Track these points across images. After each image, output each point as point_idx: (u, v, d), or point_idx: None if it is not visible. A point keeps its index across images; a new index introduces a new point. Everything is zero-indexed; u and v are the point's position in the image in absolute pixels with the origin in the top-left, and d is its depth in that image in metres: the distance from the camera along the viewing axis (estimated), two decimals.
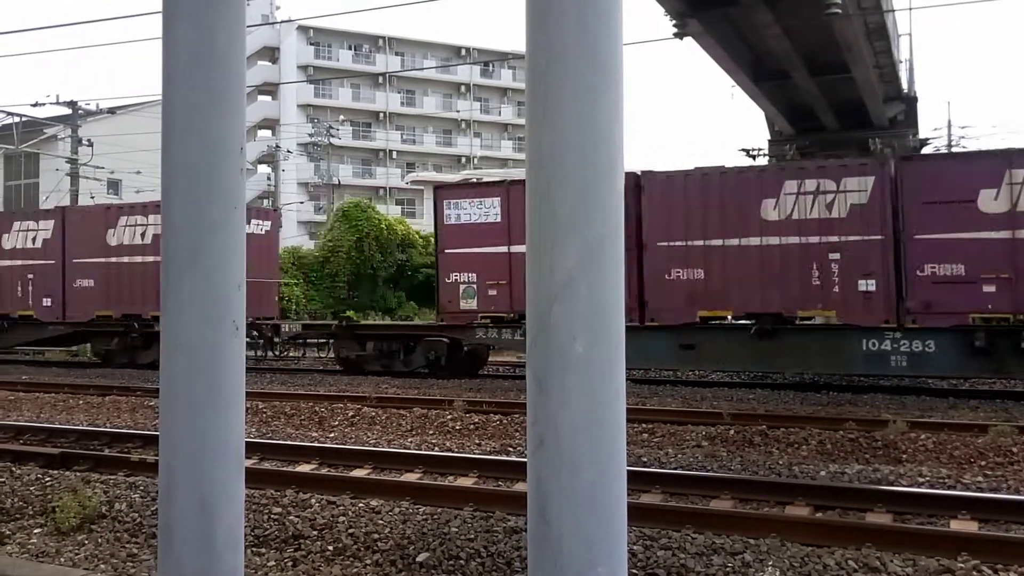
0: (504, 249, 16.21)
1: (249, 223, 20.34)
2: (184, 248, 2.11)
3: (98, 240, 20.01)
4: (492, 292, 16.37)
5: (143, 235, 19.70)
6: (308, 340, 22.02)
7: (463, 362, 17.30)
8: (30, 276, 20.88)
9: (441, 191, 17.37)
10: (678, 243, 14.78)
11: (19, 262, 21.03)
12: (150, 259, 19.19)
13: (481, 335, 16.64)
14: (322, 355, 21.59)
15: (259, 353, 20.71)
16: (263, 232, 20.81)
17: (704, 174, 14.95)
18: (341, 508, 6.47)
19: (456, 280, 16.73)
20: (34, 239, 21.01)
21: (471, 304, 16.59)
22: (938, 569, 5.07)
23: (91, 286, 20.12)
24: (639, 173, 15.35)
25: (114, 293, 19.82)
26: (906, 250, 13.41)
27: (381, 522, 6.11)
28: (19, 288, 20.95)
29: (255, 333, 19.86)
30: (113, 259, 19.95)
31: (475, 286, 16.51)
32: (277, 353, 21.09)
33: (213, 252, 2.10)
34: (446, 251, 16.92)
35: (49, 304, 20.57)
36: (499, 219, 16.36)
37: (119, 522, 6.32)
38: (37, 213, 21.94)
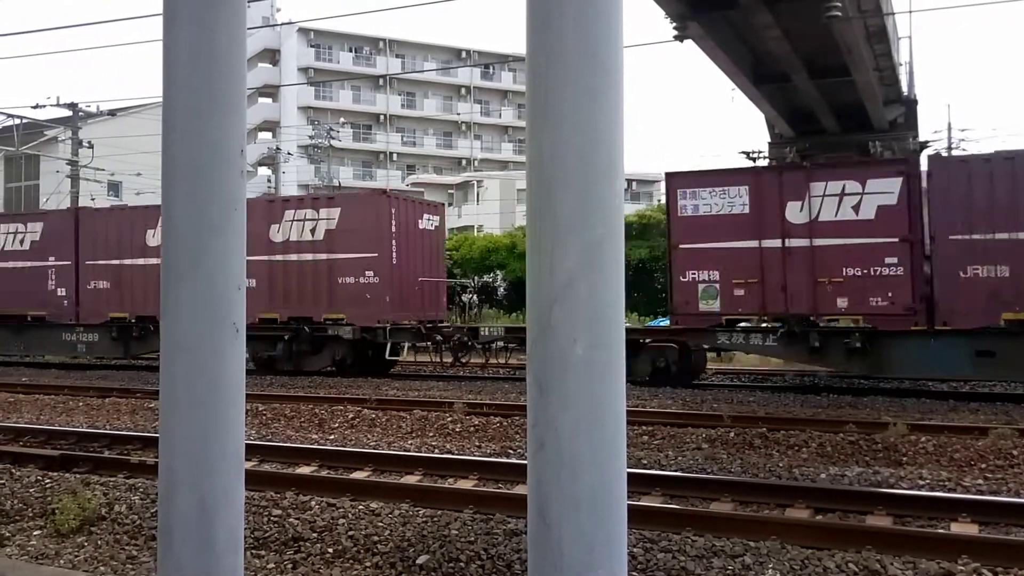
0: (754, 244, 14.59)
1: (421, 217, 18.61)
2: (185, 250, 2.11)
3: (260, 236, 17.97)
4: (739, 292, 14.71)
5: (313, 230, 17.86)
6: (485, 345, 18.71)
7: (682, 369, 15.69)
8: None
9: (675, 179, 15.51)
10: (977, 236, 13.09)
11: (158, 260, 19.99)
12: (322, 256, 17.76)
13: (724, 340, 15.11)
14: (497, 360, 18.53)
15: (447, 359, 18.39)
16: (433, 228, 19.15)
17: (1007, 157, 13.36)
18: (341, 510, 6.47)
19: (693, 279, 15.00)
20: None
21: (712, 306, 14.86)
22: (938, 572, 5.07)
23: (252, 287, 17.60)
24: (924, 158, 14.10)
25: (280, 294, 18.05)
26: None
27: (381, 524, 6.11)
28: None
29: (439, 337, 18.13)
30: (278, 256, 18.10)
31: (717, 285, 14.79)
32: (461, 359, 18.47)
33: (214, 254, 2.10)
34: (680, 246, 15.12)
35: None
36: (747, 210, 14.66)
37: (119, 524, 6.32)
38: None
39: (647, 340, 15.84)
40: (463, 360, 18.50)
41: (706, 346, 15.77)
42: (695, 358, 16.12)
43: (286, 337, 18.04)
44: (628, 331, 18.08)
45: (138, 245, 19.62)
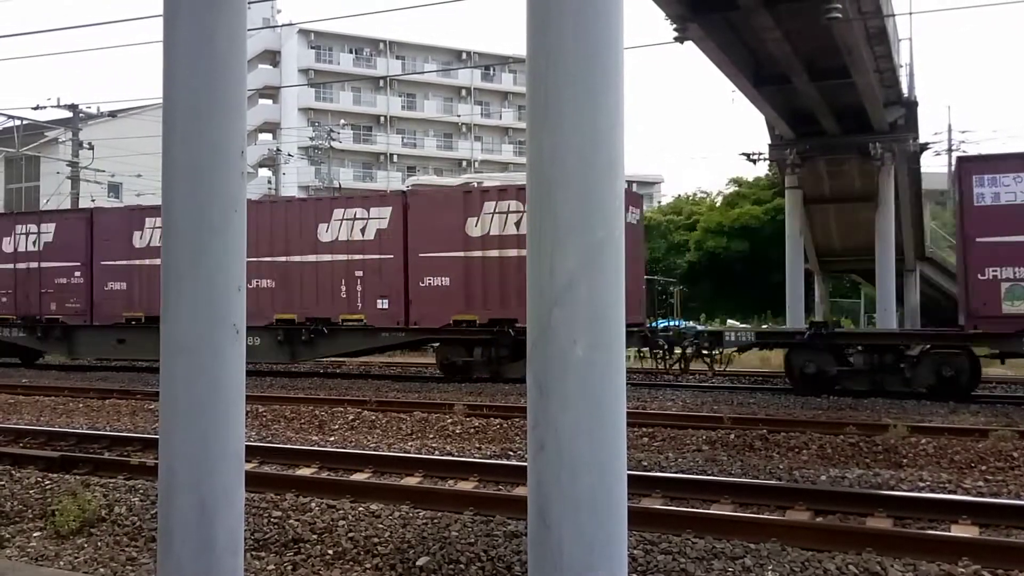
0: None
1: (628, 210, 16.41)
2: (185, 250, 2.11)
3: (455, 230, 16.55)
4: None
5: (518, 223, 15.94)
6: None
7: (953, 381, 13.90)
8: (358, 273, 17.41)
9: (970, 164, 13.94)
10: None
11: (343, 257, 17.52)
12: (510, 253, 15.93)
13: None
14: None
15: (672, 367, 16.57)
16: (635, 222, 17.14)
17: None
18: (341, 512, 6.46)
19: (995, 276, 13.33)
20: (363, 229, 17.39)
21: (1020, 307, 13.20)
22: (939, 574, 5.07)
23: (445, 285, 16.69)
24: None
25: (479, 294, 16.40)
26: None
27: (381, 526, 6.11)
28: (343, 288, 17.55)
29: (663, 343, 16.34)
30: (476, 253, 16.40)
31: None
32: (706, 367, 16.22)
33: (214, 254, 2.10)
34: (978, 240, 13.47)
35: (385, 307, 17.18)
36: None
37: (119, 526, 6.31)
38: (368, 199, 18.41)
39: (927, 346, 14.40)
40: (714, 367, 16.37)
41: (1002, 351, 14.06)
42: (976, 368, 14.36)
43: (485, 341, 16.45)
44: (909, 335, 15.42)
45: (308, 240, 17.84)
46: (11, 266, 20.89)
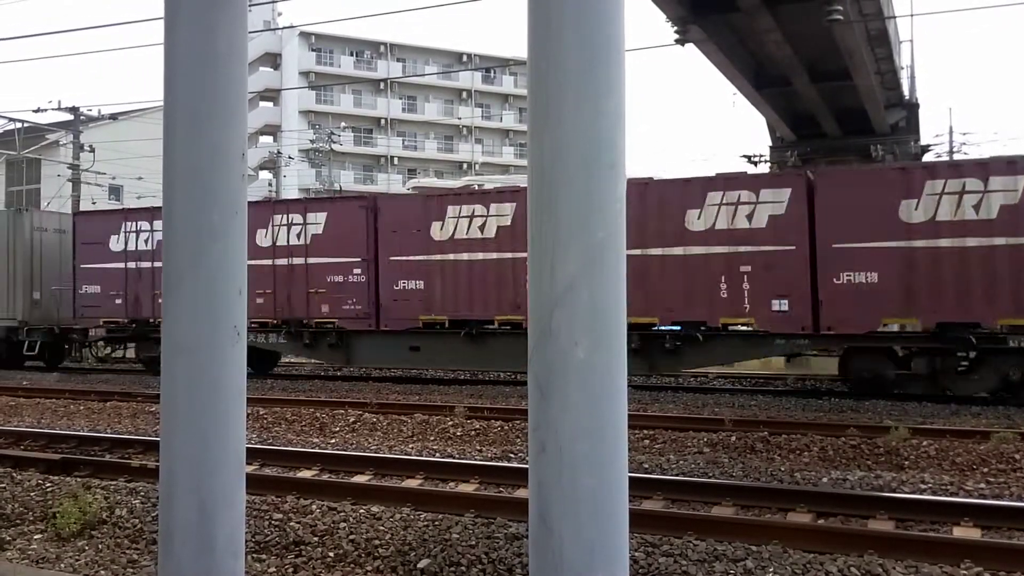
0: None
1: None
2: (185, 253, 2.11)
3: (883, 213, 13.71)
4: None
5: (976, 207, 13.41)
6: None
7: None
8: (744, 269, 14.55)
9: None
10: None
11: (722, 249, 14.60)
12: (995, 241, 13.12)
13: None
14: None
15: None
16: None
17: None
18: (342, 514, 6.47)
19: None
20: (750, 216, 14.53)
21: None
22: None
23: (873, 283, 13.80)
24: None
25: (921, 292, 13.67)
26: None
27: (382, 528, 6.10)
28: (723, 286, 14.70)
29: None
30: (918, 243, 13.62)
31: None
32: None
33: (214, 257, 2.10)
34: None
35: (784, 308, 14.19)
36: None
37: (119, 528, 6.31)
38: (757, 179, 15.36)
39: None
40: None
41: None
42: None
43: (928, 350, 13.85)
44: None
45: (673, 230, 14.99)
46: (269, 262, 17.94)
